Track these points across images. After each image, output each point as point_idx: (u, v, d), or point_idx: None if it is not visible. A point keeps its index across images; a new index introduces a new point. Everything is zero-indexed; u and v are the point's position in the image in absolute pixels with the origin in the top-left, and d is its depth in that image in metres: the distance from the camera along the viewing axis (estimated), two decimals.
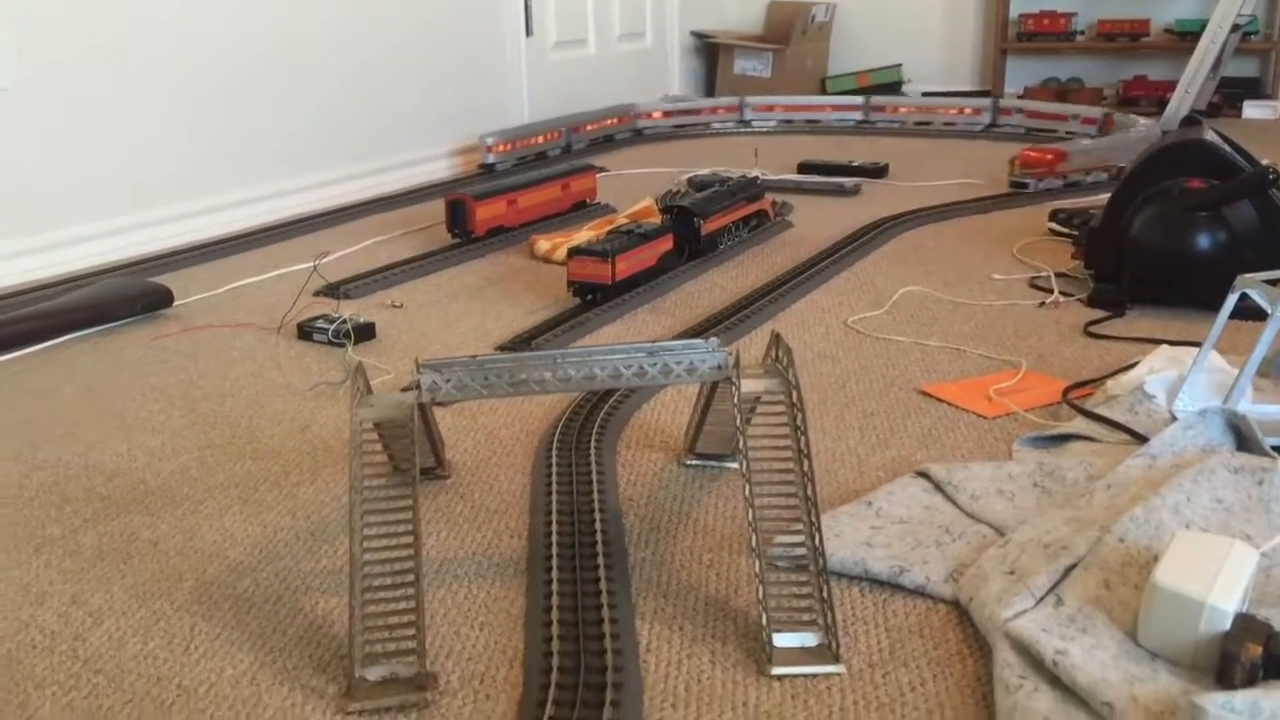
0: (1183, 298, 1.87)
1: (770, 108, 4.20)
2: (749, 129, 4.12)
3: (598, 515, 1.21)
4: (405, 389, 1.09)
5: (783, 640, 0.97)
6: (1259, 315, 1.35)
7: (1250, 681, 0.84)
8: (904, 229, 2.55)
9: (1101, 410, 1.43)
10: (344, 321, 1.84)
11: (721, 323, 1.89)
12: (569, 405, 1.53)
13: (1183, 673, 0.89)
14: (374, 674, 0.94)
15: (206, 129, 2.68)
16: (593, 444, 1.40)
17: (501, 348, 1.81)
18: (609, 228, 2.27)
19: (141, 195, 2.53)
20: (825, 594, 0.98)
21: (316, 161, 2.99)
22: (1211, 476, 1.15)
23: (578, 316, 1.93)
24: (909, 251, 2.36)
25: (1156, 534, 1.06)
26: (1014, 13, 4.72)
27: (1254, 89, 4.47)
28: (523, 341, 1.82)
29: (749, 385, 1.07)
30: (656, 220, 2.27)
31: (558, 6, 3.93)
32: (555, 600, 1.05)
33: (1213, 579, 0.90)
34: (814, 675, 0.95)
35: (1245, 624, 0.87)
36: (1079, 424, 1.41)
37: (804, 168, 3.23)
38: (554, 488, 1.29)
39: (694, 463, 1.36)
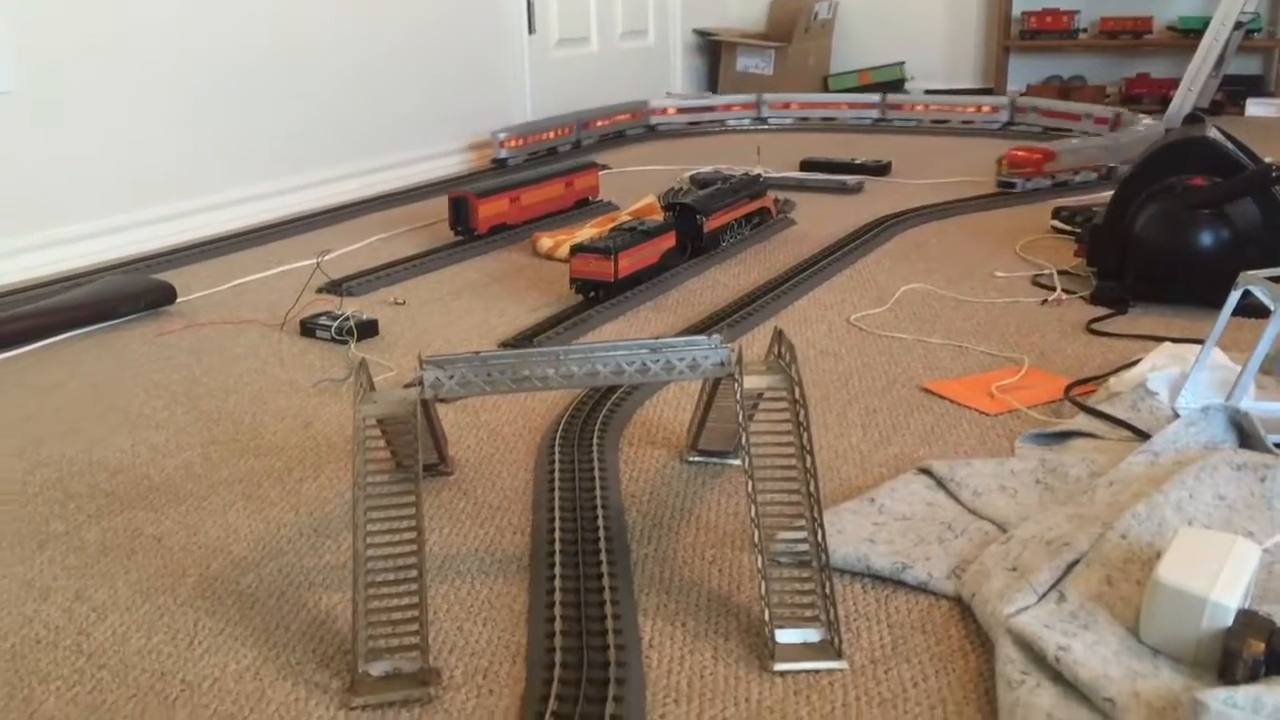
0: (1185, 295, 1.87)
1: (786, 105, 4.18)
2: (765, 126, 4.10)
3: (600, 511, 1.22)
4: (408, 385, 1.09)
5: (785, 636, 0.97)
6: (1261, 312, 1.35)
7: (1252, 678, 0.85)
8: (906, 227, 2.54)
9: (1104, 407, 1.43)
10: (347, 318, 1.84)
11: (724, 320, 1.89)
12: (571, 402, 1.53)
13: (1185, 669, 0.89)
14: (377, 669, 0.94)
15: (208, 128, 2.68)
16: (595, 441, 1.41)
17: (504, 344, 1.81)
18: (611, 225, 2.28)
19: (143, 193, 2.53)
20: (828, 590, 0.98)
21: (318, 160, 2.99)
22: (1214, 473, 1.15)
23: (580, 314, 1.93)
24: (911, 249, 2.36)
25: (1159, 530, 1.06)
26: (1016, 10, 4.72)
27: (1257, 87, 4.47)
28: (525, 338, 1.83)
29: (751, 382, 1.07)
30: (659, 218, 2.27)
31: (560, 4, 3.93)
32: (558, 596, 1.05)
33: (1215, 575, 0.90)
34: (816, 671, 0.95)
35: (1248, 620, 0.87)
36: (1081, 421, 1.41)
37: (806, 165, 3.23)
38: (557, 484, 1.29)
39: (696, 459, 1.36)
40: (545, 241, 2.38)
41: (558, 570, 1.10)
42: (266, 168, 2.84)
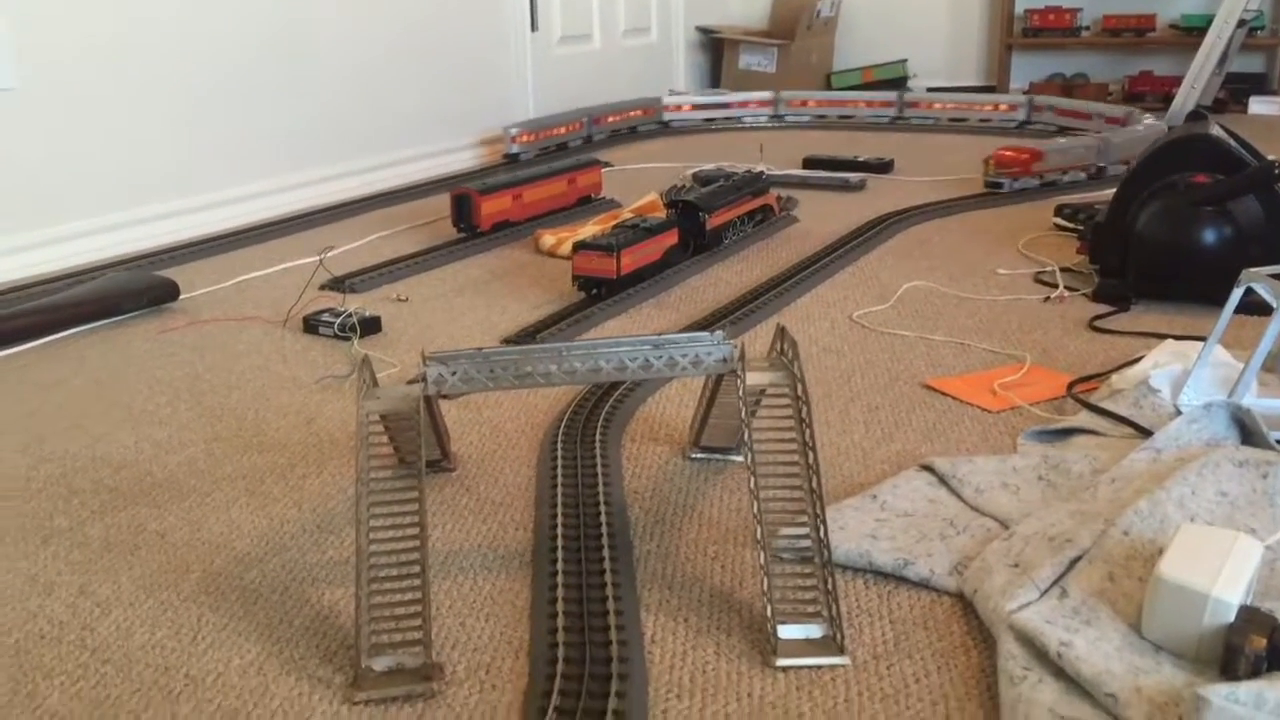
0: (1188, 293, 1.87)
1: (804, 103, 4.16)
2: (782, 123, 4.09)
3: (603, 508, 1.22)
4: (411, 382, 1.09)
5: (787, 632, 0.97)
6: (1264, 310, 1.35)
7: (1254, 673, 0.85)
8: (909, 224, 2.54)
9: (1106, 404, 1.43)
10: (350, 315, 1.84)
11: (726, 317, 1.89)
12: (574, 399, 1.53)
13: (1187, 665, 0.89)
14: (380, 664, 0.94)
15: (209, 125, 2.68)
16: (598, 437, 1.41)
17: (507, 341, 1.82)
18: (614, 222, 2.28)
19: (144, 191, 2.54)
20: (830, 586, 0.99)
21: (320, 157, 2.99)
22: (1216, 470, 1.15)
23: (582, 311, 1.94)
24: (914, 246, 2.36)
25: (1161, 527, 1.06)
26: (1019, 8, 4.72)
27: (1260, 85, 4.46)
28: (528, 336, 1.83)
29: (754, 378, 1.07)
30: (661, 215, 2.28)
31: (563, 2, 3.93)
32: (560, 592, 1.06)
33: (1217, 572, 0.90)
34: (819, 667, 0.95)
35: (1249, 616, 0.87)
36: (1084, 418, 1.41)
37: (809, 163, 3.23)
38: (559, 480, 1.29)
39: (699, 456, 1.36)
40: (548, 239, 2.38)
41: (560, 566, 1.10)
42: (268, 165, 2.84)
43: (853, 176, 3.01)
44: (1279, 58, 4.56)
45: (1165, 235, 1.88)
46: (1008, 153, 2.87)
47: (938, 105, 4.03)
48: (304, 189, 2.91)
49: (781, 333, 1.11)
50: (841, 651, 0.96)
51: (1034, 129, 3.77)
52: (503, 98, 3.67)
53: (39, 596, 1.10)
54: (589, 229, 2.39)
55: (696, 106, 4.09)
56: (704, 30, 4.75)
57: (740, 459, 1.33)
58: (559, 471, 1.31)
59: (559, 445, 1.39)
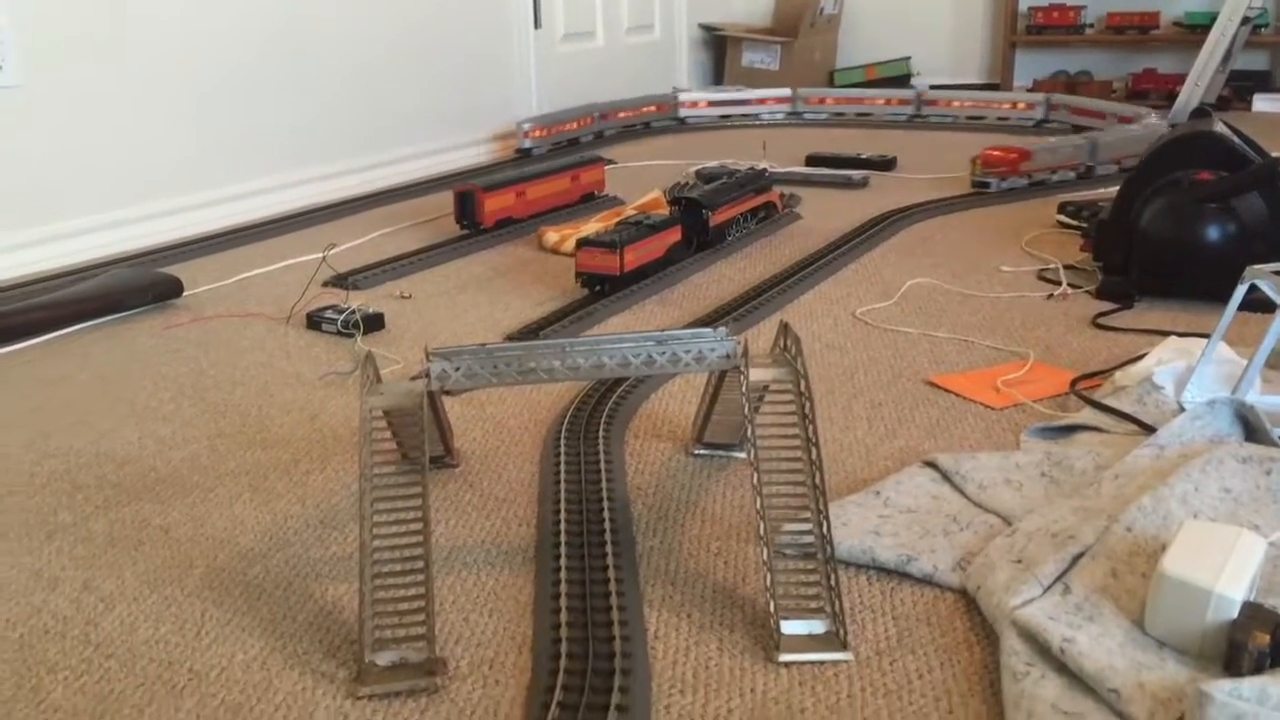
0: (1191, 289, 1.87)
1: (822, 100, 4.15)
2: (801, 121, 4.09)
3: (606, 504, 1.22)
4: (414, 377, 1.09)
5: (790, 627, 0.97)
6: (1268, 307, 1.35)
7: (1257, 670, 0.85)
8: (912, 221, 2.54)
9: (1109, 401, 1.43)
10: (353, 311, 1.84)
11: (729, 314, 1.89)
12: (577, 395, 1.53)
13: (1190, 661, 0.89)
14: (384, 659, 0.94)
15: (213, 122, 2.68)
16: (601, 433, 1.41)
17: (510, 338, 1.82)
18: (617, 219, 2.28)
19: (148, 188, 2.54)
20: (833, 582, 0.99)
21: (323, 154, 3.00)
22: (1220, 466, 1.15)
23: (586, 307, 1.94)
24: (917, 244, 2.36)
25: (1164, 523, 1.06)
26: (1023, 5, 4.72)
27: (1264, 82, 4.46)
28: (531, 332, 1.83)
29: (757, 374, 1.07)
30: (665, 212, 2.28)
31: None
32: (564, 587, 1.06)
33: (1220, 568, 0.90)
34: (821, 662, 0.95)
35: (1253, 612, 0.87)
36: (1087, 415, 1.41)
37: (812, 160, 3.22)
38: (562, 476, 1.29)
39: (702, 452, 1.36)
40: (551, 235, 2.38)
41: (563, 562, 1.10)
42: (271, 162, 2.85)
43: (855, 174, 3.01)
44: None
45: (1169, 232, 1.88)
46: (995, 152, 2.84)
47: (955, 104, 4.01)
48: (307, 186, 2.92)
49: (784, 329, 1.11)
50: (844, 647, 0.96)
51: (1050, 127, 3.75)
52: (506, 95, 3.67)
53: (43, 591, 1.10)
54: (592, 226, 2.39)
55: (713, 103, 4.08)
56: (707, 28, 4.75)
57: (743, 455, 1.33)
58: (562, 467, 1.32)
59: (562, 441, 1.39)
